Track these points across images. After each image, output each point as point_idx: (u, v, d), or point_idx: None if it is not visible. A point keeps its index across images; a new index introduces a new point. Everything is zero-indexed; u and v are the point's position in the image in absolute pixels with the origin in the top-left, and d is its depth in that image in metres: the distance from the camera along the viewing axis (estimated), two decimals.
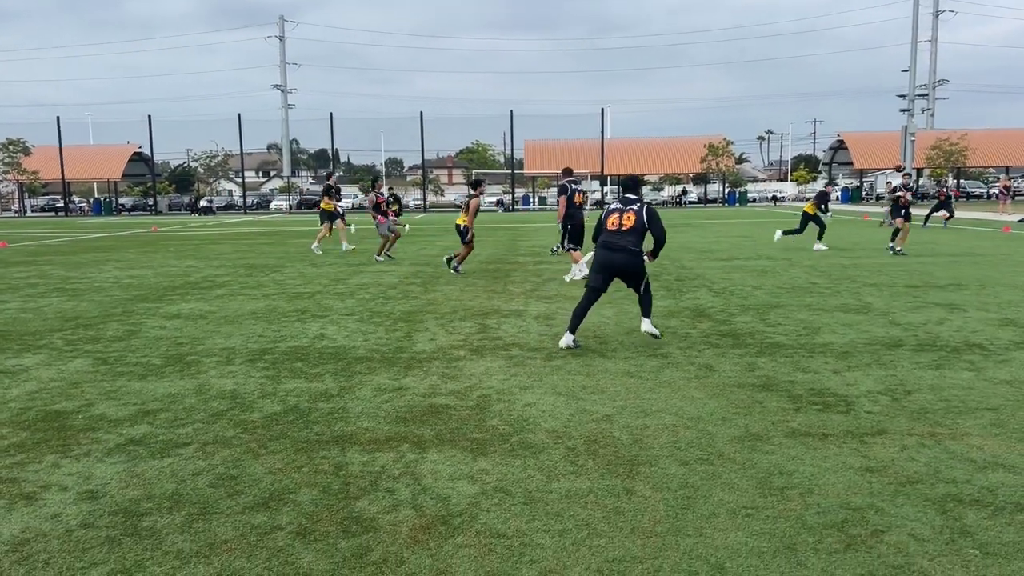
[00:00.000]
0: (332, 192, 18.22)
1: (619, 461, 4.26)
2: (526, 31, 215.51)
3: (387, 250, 15.76)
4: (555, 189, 13.58)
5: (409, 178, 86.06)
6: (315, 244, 17.90)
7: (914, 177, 26.63)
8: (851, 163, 59.66)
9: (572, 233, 12.42)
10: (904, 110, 52.48)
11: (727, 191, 57.74)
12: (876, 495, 3.78)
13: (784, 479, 3.98)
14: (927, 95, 57.63)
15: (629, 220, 7.11)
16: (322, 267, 14.69)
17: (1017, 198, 43.45)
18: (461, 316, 8.88)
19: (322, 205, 18.29)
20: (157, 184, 62.20)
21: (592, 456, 4.34)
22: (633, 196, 7.40)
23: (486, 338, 7.62)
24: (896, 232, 16.01)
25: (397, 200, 19.96)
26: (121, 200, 61.83)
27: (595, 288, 7.16)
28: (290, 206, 58.70)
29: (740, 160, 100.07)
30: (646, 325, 7.19)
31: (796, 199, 61.05)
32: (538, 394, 5.60)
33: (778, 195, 62.57)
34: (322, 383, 5.96)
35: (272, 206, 61.04)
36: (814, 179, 72.65)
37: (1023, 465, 4.14)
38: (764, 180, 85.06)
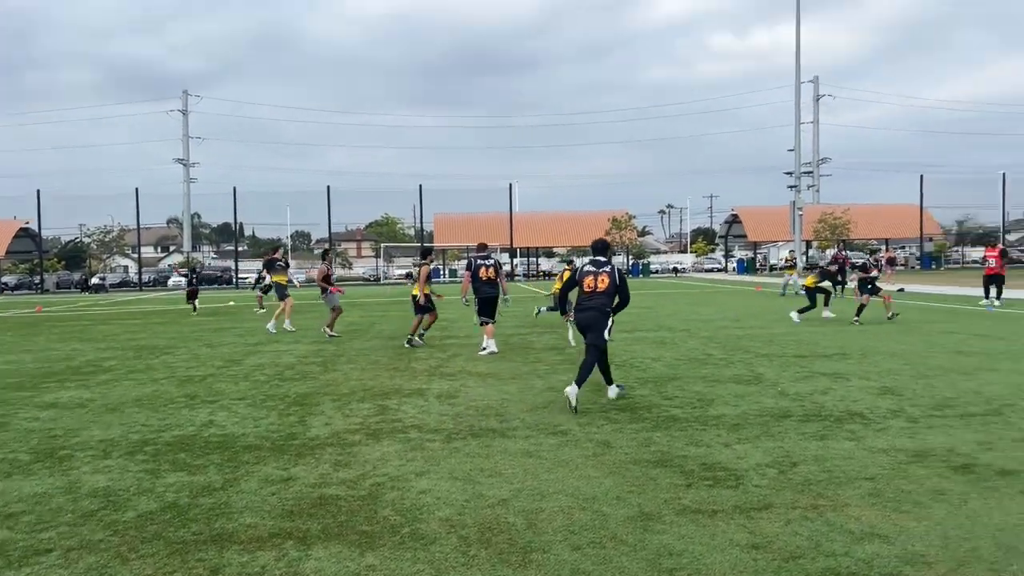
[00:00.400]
0: (279, 266, 17.74)
1: (512, 549, 4.20)
2: (437, 107, 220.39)
3: (330, 325, 15.51)
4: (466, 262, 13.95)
5: (316, 251, 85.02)
6: (287, 322, 17.21)
7: (839, 250, 28.18)
8: (745, 236, 62.77)
9: (480, 307, 12.48)
10: (791, 186, 55.89)
11: (631, 263, 59.63)
12: (760, 572, 3.84)
13: (673, 560, 4.01)
14: (812, 172, 61.68)
15: (603, 282, 7.97)
16: (217, 347, 14.17)
17: (899, 268, 46.75)
18: (360, 397, 8.69)
19: (275, 279, 17.71)
20: (45, 261, 59.19)
21: (485, 545, 4.26)
22: (603, 259, 8.21)
23: (384, 420, 7.47)
24: (861, 308, 16.31)
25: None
26: (3, 278, 58.41)
27: (585, 341, 7.95)
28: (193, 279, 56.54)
29: (643, 233, 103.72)
30: (570, 390, 7.61)
31: (695, 270, 63.48)
32: (434, 480, 5.49)
33: (679, 266, 64.98)
34: (205, 476, 5.68)
35: (170, 282, 58.84)
36: (712, 251, 76.01)
37: (896, 535, 4.31)
38: (666, 252, 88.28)
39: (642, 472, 5.56)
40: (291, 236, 72.41)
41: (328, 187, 53.58)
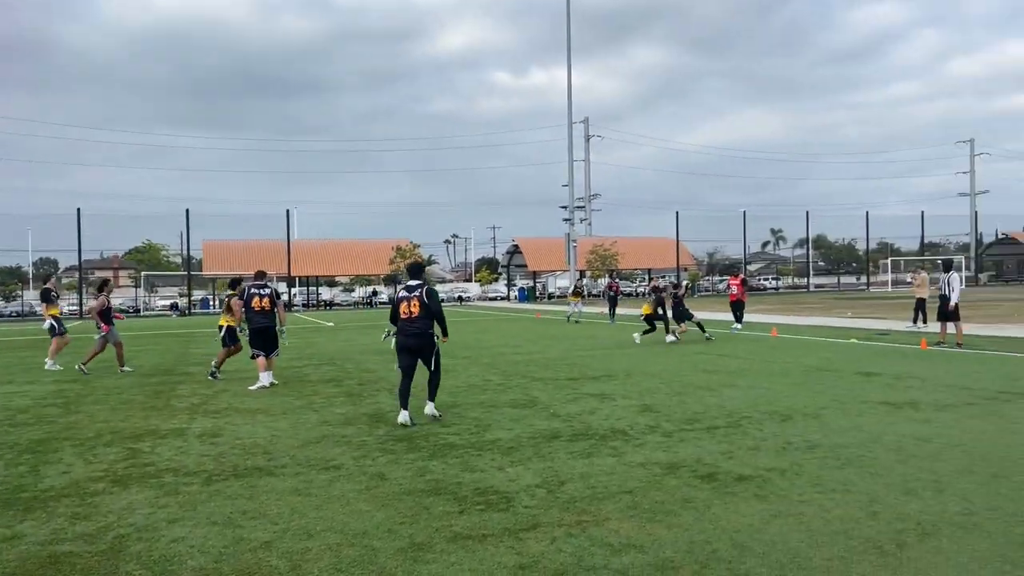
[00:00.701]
0: (52, 297, 15.54)
1: None
2: (208, 128, 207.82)
3: (120, 362, 14.32)
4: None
5: (65, 280, 76.20)
6: (50, 362, 15.14)
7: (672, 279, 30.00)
8: (526, 265, 65.57)
9: (252, 338, 11.86)
10: (566, 219, 59.15)
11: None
12: None
13: None
14: (584, 207, 65.87)
15: (415, 307, 8.36)
16: None
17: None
18: (107, 441, 7.84)
19: (51, 312, 15.45)
20: None
21: None
22: (416, 282, 8.57)
23: (134, 465, 6.78)
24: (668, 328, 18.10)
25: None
26: None
27: (405, 368, 8.40)
28: None
29: (429, 262, 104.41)
30: (429, 408, 8.43)
31: (480, 299, 65.10)
32: (189, 526, 5.04)
33: (464, 295, 66.24)
34: None
35: None
36: (495, 280, 78.43)
37: (650, 544, 4.61)
38: (452, 280, 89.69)
39: (416, 502, 5.50)
40: (33, 264, 64.31)
41: (78, 209, 48.35)
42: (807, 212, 68.20)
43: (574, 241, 58.02)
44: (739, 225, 65.74)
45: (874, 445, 6.90)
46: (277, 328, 12.07)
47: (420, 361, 8.44)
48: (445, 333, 8.54)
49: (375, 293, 62.66)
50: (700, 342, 18.06)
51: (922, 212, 70.76)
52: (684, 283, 19.13)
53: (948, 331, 15.92)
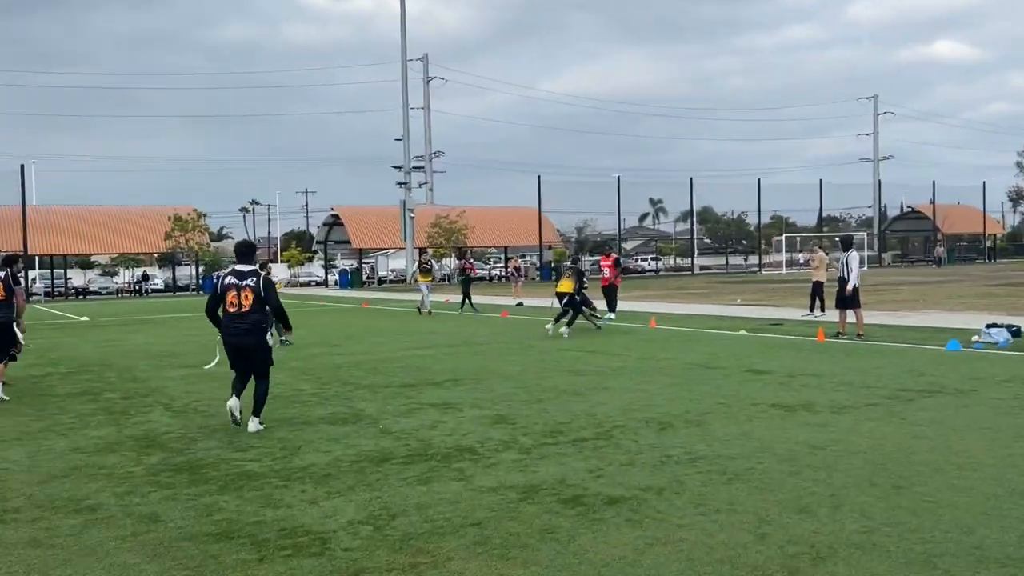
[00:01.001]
0: None
1: None
2: None
3: None
4: None
5: None
6: None
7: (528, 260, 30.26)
8: (349, 242, 64.68)
9: None
10: (401, 183, 58.81)
11: (202, 275, 57.55)
12: None
13: None
14: (423, 167, 65.84)
15: (248, 299, 8.60)
16: None
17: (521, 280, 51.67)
18: None
19: None
20: None
21: None
22: (247, 267, 8.77)
23: None
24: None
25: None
26: None
27: (237, 370, 8.91)
28: None
29: (220, 237, 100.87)
30: (253, 424, 8.79)
31: (290, 284, 63.69)
32: None
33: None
34: None
35: None
36: (309, 260, 77.00)
37: None
38: None
39: (200, 550, 5.30)
40: None
41: None
42: (691, 179, 71.68)
43: (411, 211, 57.95)
44: (612, 194, 68.08)
45: (764, 455, 7.35)
46: (14, 322, 11.47)
47: (248, 368, 8.91)
48: (288, 327, 9.33)
49: (146, 277, 59.84)
50: (566, 337, 18.54)
51: (820, 181, 76.15)
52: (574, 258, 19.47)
53: (848, 320, 17.23)
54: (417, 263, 29.38)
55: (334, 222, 69.03)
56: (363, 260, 70.99)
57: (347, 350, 16.93)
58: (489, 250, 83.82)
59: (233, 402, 8.77)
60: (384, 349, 16.93)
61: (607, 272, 24.03)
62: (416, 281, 27.65)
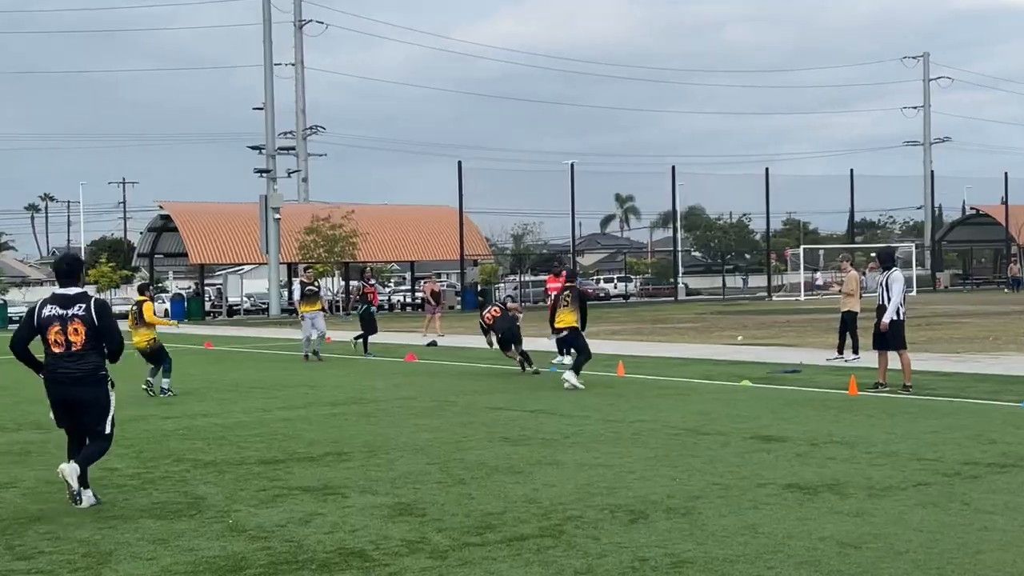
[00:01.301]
0: None
1: None
2: None
3: None
4: None
5: None
6: None
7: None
8: (185, 254, 64.00)
9: None
10: (261, 171, 58.40)
11: None
12: None
13: None
14: (294, 149, 65.60)
15: (78, 333, 9.13)
16: None
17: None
18: None
19: None
20: None
21: None
22: (73, 290, 9.32)
23: None
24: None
25: None
26: None
27: (69, 431, 9.61)
28: None
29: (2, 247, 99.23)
30: (87, 496, 9.31)
31: None
32: None
33: None
34: None
35: None
36: (127, 279, 76.04)
37: None
38: (40, 281, 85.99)
39: None
40: None
41: None
42: (672, 168, 72.70)
43: (276, 211, 57.57)
44: (564, 187, 68.61)
45: (776, 557, 7.39)
46: None
47: (84, 425, 9.49)
48: (112, 360, 9.61)
49: None
50: (496, 389, 18.49)
51: (851, 172, 77.78)
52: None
53: (890, 366, 17.48)
54: (299, 285, 28.99)
55: (164, 226, 68.40)
56: (205, 281, 70.25)
57: (182, 411, 16.69)
58: (389, 266, 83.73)
59: (68, 468, 9.22)
60: (236, 410, 16.76)
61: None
62: (300, 313, 27.29)
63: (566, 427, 13.79)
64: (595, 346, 27.89)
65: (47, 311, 9.17)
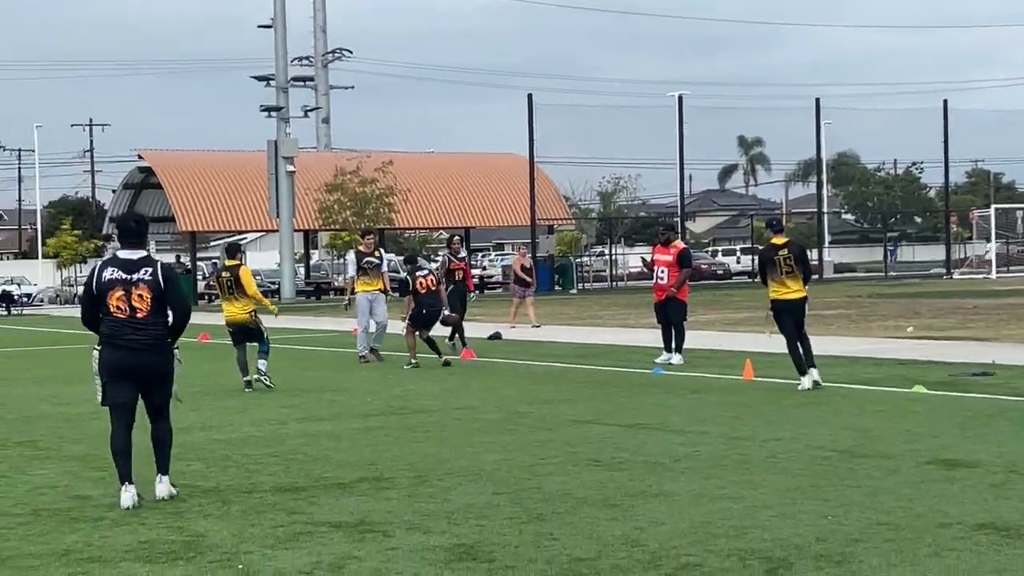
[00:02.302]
0: None
1: None
2: None
3: None
4: None
5: None
6: None
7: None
8: (171, 219, 64.55)
9: None
10: (269, 109, 58.58)
11: None
12: None
13: None
14: (311, 80, 65.79)
15: (143, 299, 10.55)
16: None
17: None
18: None
19: None
20: None
21: None
22: (137, 253, 10.84)
23: None
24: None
25: None
26: None
27: (121, 405, 10.88)
28: None
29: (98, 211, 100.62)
30: (163, 486, 11.06)
31: (54, 300, 63.46)
32: None
33: (9, 288, 64.60)
34: None
35: None
36: (97, 252, 77.08)
37: None
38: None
39: None
40: None
41: None
42: (817, 102, 72.00)
43: (290, 161, 57.72)
44: (669, 129, 68.24)
45: None
46: None
47: (146, 400, 11.07)
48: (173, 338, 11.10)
49: None
50: (581, 396, 18.51)
51: None
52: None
53: None
54: (354, 255, 27.77)
55: (143, 182, 69.07)
56: (197, 255, 70.83)
57: (173, 423, 16.80)
58: (435, 235, 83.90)
59: (127, 498, 10.75)
60: (243, 422, 16.99)
61: (665, 275, 23.98)
62: (353, 293, 26.79)
63: (676, 447, 13.79)
64: (709, 340, 27.83)
65: (108, 274, 10.59)
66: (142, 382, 10.78)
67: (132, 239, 10.90)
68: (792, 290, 19.44)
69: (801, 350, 19.17)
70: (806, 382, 18.69)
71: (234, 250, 22.30)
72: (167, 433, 11.22)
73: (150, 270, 10.59)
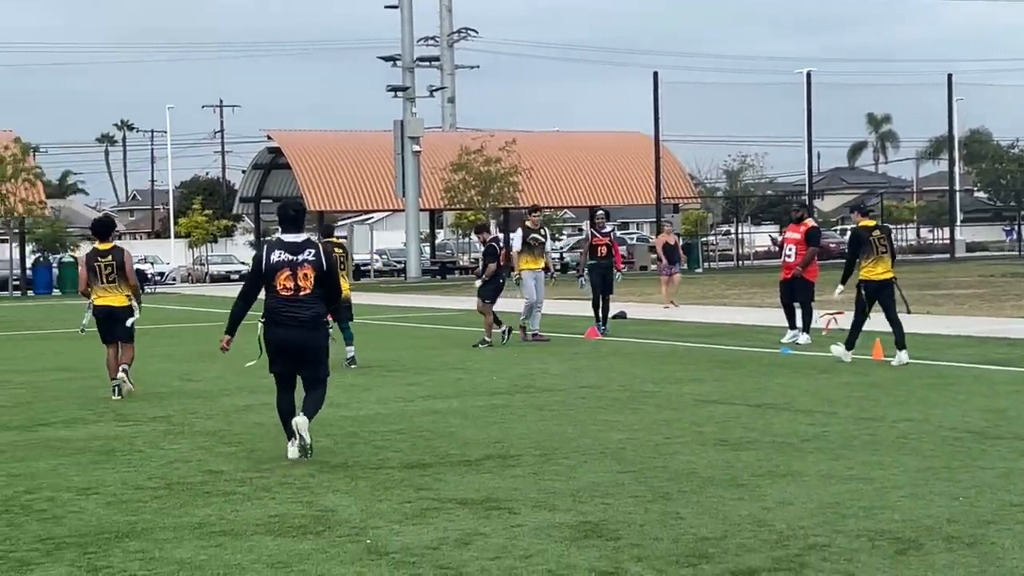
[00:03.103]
0: None
1: None
2: None
3: None
4: None
5: None
6: None
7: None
8: (301, 198, 65.10)
9: None
10: (395, 89, 58.85)
11: (34, 262, 58.41)
12: None
13: None
14: (437, 60, 65.94)
15: (307, 280, 11.81)
16: None
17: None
18: None
19: None
20: None
21: None
22: (299, 236, 12.06)
23: None
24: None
25: None
26: None
27: (283, 375, 12.34)
28: None
29: (65, 188, 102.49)
30: (301, 421, 12.11)
31: (187, 279, 64.14)
32: None
33: (150, 270, 65.26)
34: None
35: None
36: (227, 233, 77.85)
37: None
38: (122, 233, 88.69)
39: None
40: None
41: None
42: (949, 77, 70.93)
43: (416, 140, 58.02)
44: (796, 106, 67.69)
45: None
46: None
47: (302, 373, 12.38)
48: (337, 312, 13.22)
49: None
50: (708, 376, 18.44)
51: None
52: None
53: None
54: (520, 231, 26.89)
55: (272, 162, 69.60)
56: (334, 233, 71.36)
57: (299, 400, 17.01)
58: (560, 213, 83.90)
59: (301, 420, 12.06)
60: (370, 399, 17.11)
61: (793, 252, 23.77)
62: (517, 271, 26.42)
63: (804, 427, 13.70)
64: (842, 319, 27.54)
65: (275, 256, 11.84)
66: (300, 356, 12.11)
67: (292, 225, 12.11)
68: (884, 271, 20.10)
69: (892, 330, 20.14)
70: (840, 353, 20.25)
71: (329, 230, 24.13)
72: (320, 397, 12.43)
73: (313, 251, 11.93)
